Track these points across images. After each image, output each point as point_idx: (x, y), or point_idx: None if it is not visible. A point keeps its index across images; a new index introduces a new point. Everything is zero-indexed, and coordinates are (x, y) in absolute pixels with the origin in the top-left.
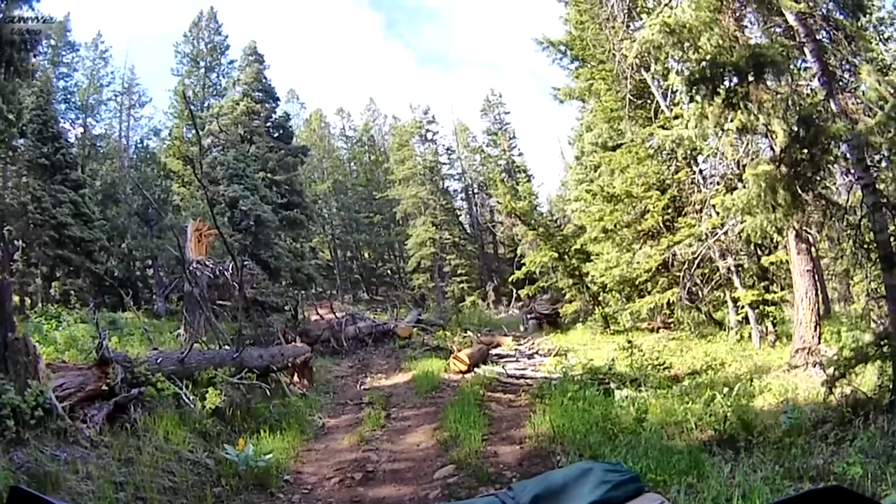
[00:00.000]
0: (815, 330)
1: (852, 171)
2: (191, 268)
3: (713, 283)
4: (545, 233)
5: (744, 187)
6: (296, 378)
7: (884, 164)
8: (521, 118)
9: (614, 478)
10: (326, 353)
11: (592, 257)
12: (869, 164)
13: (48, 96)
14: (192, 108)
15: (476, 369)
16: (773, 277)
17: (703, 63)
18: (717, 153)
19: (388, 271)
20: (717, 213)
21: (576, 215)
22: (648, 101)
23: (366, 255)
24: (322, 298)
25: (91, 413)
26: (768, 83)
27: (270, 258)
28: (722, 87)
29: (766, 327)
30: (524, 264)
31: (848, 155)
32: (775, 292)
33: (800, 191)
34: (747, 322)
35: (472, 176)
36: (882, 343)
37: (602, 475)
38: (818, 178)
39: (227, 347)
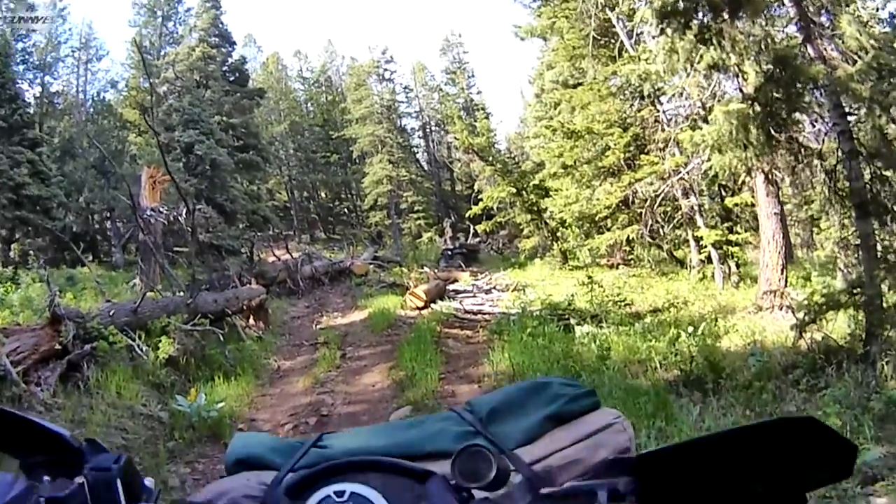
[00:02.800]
0: (782, 273)
1: (827, 117)
2: (144, 216)
3: (675, 221)
4: (503, 168)
5: (707, 125)
6: (251, 321)
7: (863, 111)
8: (481, 57)
9: (570, 391)
10: (283, 294)
11: (551, 193)
12: (846, 111)
13: (6, 59)
14: (149, 56)
15: (433, 305)
16: (736, 219)
17: None
18: (682, 93)
19: (345, 210)
20: (682, 152)
21: (534, 152)
22: (612, 41)
23: (322, 195)
24: (278, 239)
25: (45, 375)
26: (743, 22)
27: (226, 201)
28: (695, 21)
29: (730, 268)
30: (481, 200)
31: (823, 101)
32: (739, 233)
33: (773, 131)
34: (709, 262)
35: (430, 114)
36: (854, 291)
37: (558, 389)
38: (792, 120)
39: (181, 294)
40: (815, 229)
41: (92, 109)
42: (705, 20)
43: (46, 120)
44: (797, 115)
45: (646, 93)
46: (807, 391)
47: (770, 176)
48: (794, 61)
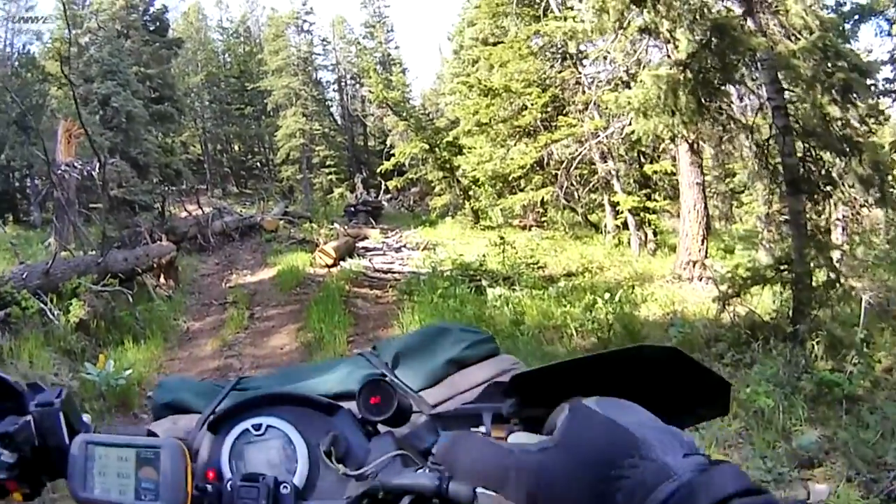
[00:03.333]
0: (703, 243)
1: (763, 92)
2: (59, 171)
3: (591, 185)
4: (416, 124)
5: (635, 88)
6: (161, 279)
7: (800, 89)
8: (401, 12)
9: (471, 337)
10: (193, 251)
11: (465, 151)
12: (781, 87)
13: None
14: (74, 6)
15: (342, 263)
16: (654, 186)
17: None
18: (606, 57)
19: (258, 164)
20: (602, 115)
21: (450, 109)
22: (537, 1)
23: (236, 148)
24: (191, 194)
25: None
26: None
27: (140, 155)
28: None
29: (646, 235)
30: (393, 155)
31: (757, 76)
32: (657, 201)
33: (703, 100)
34: (625, 228)
35: (346, 67)
36: (781, 267)
37: (459, 335)
38: (724, 91)
39: (92, 253)
40: (735, 202)
41: (17, 63)
42: None
43: None
44: (729, 86)
45: (571, 51)
46: (731, 366)
47: (694, 146)
48: (733, 31)
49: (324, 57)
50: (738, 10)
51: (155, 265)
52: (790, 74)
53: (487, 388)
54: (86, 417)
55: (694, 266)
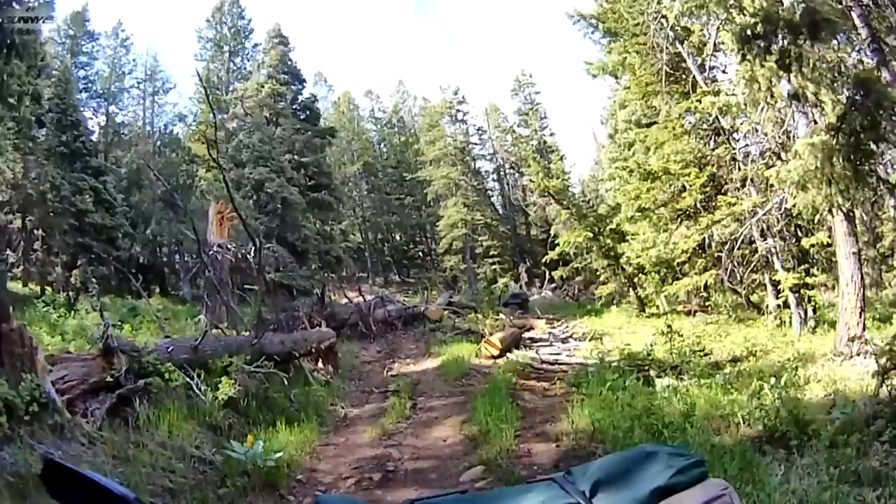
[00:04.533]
0: (860, 316)
1: None
2: (211, 251)
3: (752, 265)
4: (578, 212)
5: (792, 160)
6: (320, 364)
7: None
8: (552, 98)
9: (679, 462)
10: (354, 338)
11: (628, 237)
12: None
13: (67, 85)
14: (217, 92)
15: (508, 354)
16: (812, 260)
17: (756, 18)
18: (756, 130)
19: (420, 253)
20: (759, 191)
21: (610, 195)
22: (683, 76)
23: (397, 237)
24: (351, 281)
25: (92, 407)
26: (821, 45)
27: (297, 240)
28: (775, 45)
29: (806, 312)
30: (557, 244)
31: None
32: (815, 275)
33: (858, 164)
34: (786, 307)
35: (504, 156)
36: None
37: (667, 459)
38: (877, 150)
39: (246, 333)
40: (884, 267)
41: (159, 142)
42: (784, 43)
43: (112, 150)
44: (879, 145)
45: (725, 126)
46: (889, 442)
47: (849, 214)
48: (876, 85)
49: (480, 146)
50: (870, 62)
51: (313, 350)
52: None
53: None
54: None
55: (853, 341)
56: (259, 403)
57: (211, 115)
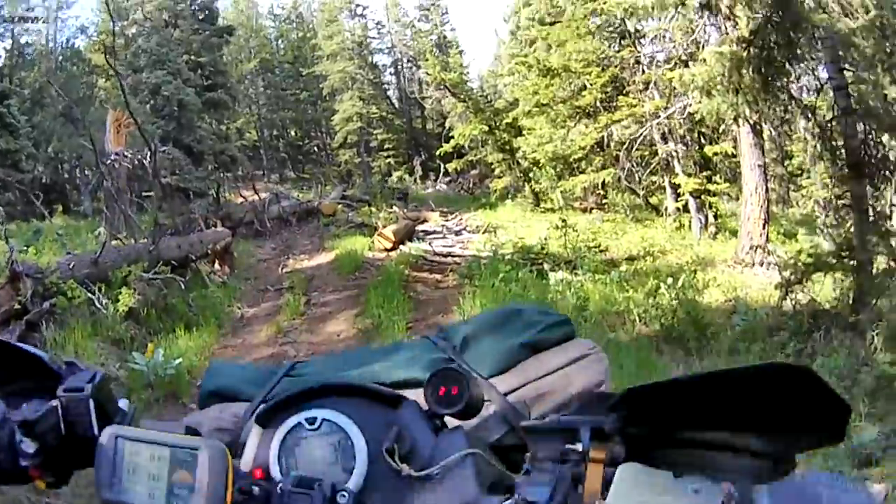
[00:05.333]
0: (764, 228)
1: (822, 71)
2: (108, 161)
3: (651, 166)
4: (475, 105)
5: (698, 66)
6: (216, 265)
7: (859, 69)
8: None
9: (545, 319)
10: (249, 236)
11: (524, 132)
12: (842, 66)
13: None
14: None
15: (401, 247)
16: (715, 168)
17: None
18: (664, 35)
19: (315, 148)
20: (662, 95)
21: (508, 90)
22: None
23: (292, 134)
24: (247, 180)
25: (5, 338)
26: None
27: (193, 142)
28: None
29: (707, 218)
30: (452, 138)
31: (818, 55)
32: (718, 183)
33: (768, 78)
34: (686, 210)
35: (402, 50)
36: (843, 254)
37: (533, 316)
38: (788, 67)
39: (144, 241)
40: (792, 186)
41: (61, 57)
42: None
43: (16, 72)
44: (793, 64)
45: (631, 29)
46: (793, 355)
47: (756, 127)
48: (796, 6)
49: (379, 41)
50: None
51: (210, 251)
52: (850, 54)
53: (586, 398)
54: (123, 403)
55: (756, 251)
56: (158, 311)
57: (110, 22)
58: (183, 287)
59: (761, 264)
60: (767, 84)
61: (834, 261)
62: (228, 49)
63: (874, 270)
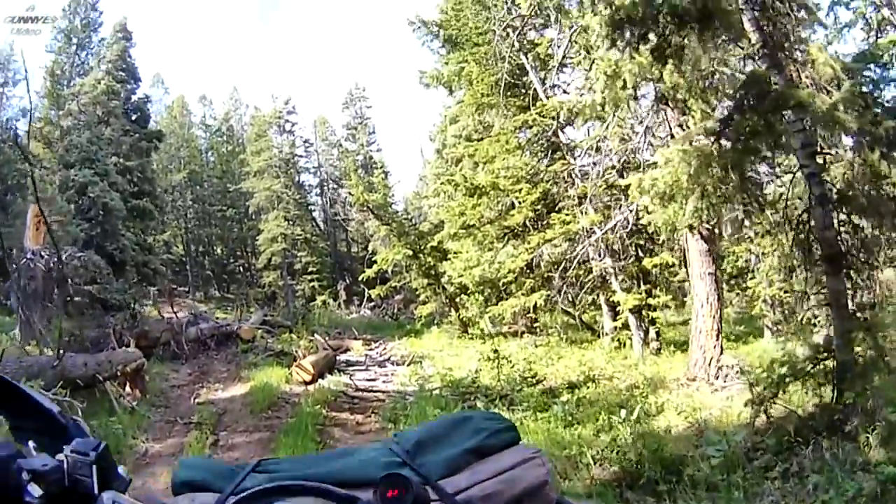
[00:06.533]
0: (717, 339)
1: (796, 157)
2: (24, 259)
3: (586, 285)
4: (399, 229)
5: (660, 168)
6: (127, 388)
7: (842, 149)
8: (384, 114)
9: (491, 425)
10: (166, 358)
11: (450, 256)
12: (814, 151)
13: None
14: (60, 86)
15: (321, 380)
16: (654, 281)
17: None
18: (598, 148)
19: (241, 268)
20: (596, 210)
21: (433, 212)
22: (523, 90)
23: (218, 251)
24: (171, 295)
25: None
26: (707, 42)
27: (116, 250)
28: (653, 33)
29: (647, 334)
30: (375, 262)
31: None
32: (658, 296)
33: (743, 174)
34: (625, 328)
35: (328, 170)
36: (820, 357)
37: (480, 422)
38: (771, 155)
39: (50, 353)
40: (727, 286)
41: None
42: (666, 32)
43: None
44: (774, 153)
45: (564, 141)
46: (780, 478)
47: (707, 233)
48: (770, 85)
49: (306, 159)
50: (759, 67)
51: (119, 373)
52: (835, 131)
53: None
54: (122, 470)
55: (710, 365)
56: None
57: (53, 110)
58: (80, 413)
59: (717, 378)
60: (744, 181)
61: (811, 366)
62: (159, 156)
63: (863, 367)
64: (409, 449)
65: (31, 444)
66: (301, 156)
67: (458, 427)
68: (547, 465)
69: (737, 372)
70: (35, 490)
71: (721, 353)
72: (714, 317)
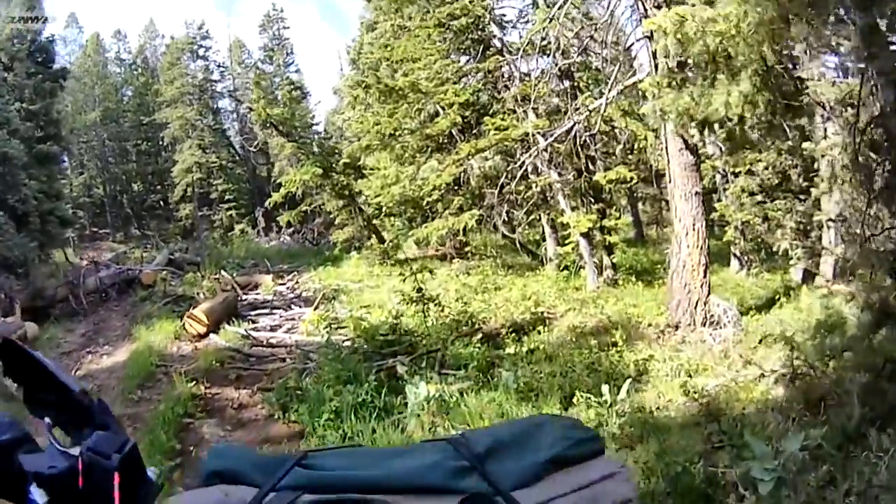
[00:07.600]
0: (705, 276)
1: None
2: None
3: (528, 204)
4: (307, 147)
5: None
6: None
7: None
8: (305, 37)
9: (573, 434)
10: (63, 317)
11: (367, 173)
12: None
13: None
14: None
15: (215, 334)
16: (609, 200)
17: None
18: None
19: (159, 203)
20: (539, 115)
21: (348, 126)
22: None
23: (136, 188)
24: (90, 241)
25: None
26: None
27: (18, 202)
28: None
29: (602, 261)
30: (282, 185)
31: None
32: (614, 217)
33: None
34: (573, 253)
35: (246, 95)
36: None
37: (560, 430)
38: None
39: None
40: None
41: None
42: None
43: None
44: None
45: (499, 36)
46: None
47: (692, 143)
48: None
49: (222, 84)
50: None
51: None
52: None
53: None
54: (152, 473)
55: (696, 308)
56: None
57: None
58: None
59: (704, 324)
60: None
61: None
62: (74, 97)
63: None
64: (479, 452)
65: (47, 420)
66: (216, 80)
67: (537, 433)
68: (632, 482)
69: (731, 317)
70: (40, 496)
71: (709, 293)
72: (701, 248)
